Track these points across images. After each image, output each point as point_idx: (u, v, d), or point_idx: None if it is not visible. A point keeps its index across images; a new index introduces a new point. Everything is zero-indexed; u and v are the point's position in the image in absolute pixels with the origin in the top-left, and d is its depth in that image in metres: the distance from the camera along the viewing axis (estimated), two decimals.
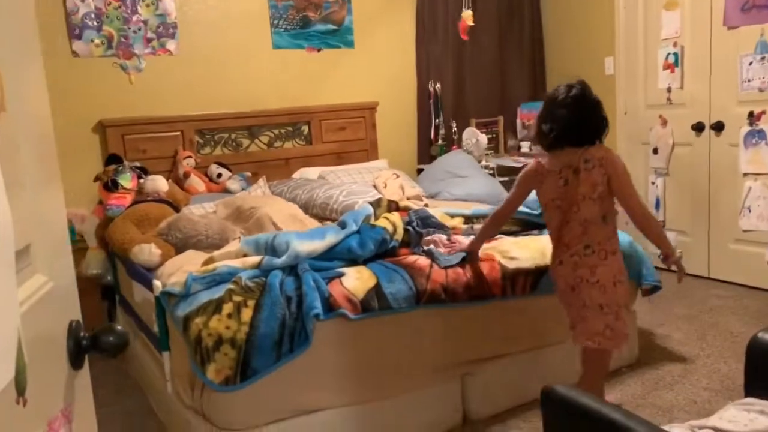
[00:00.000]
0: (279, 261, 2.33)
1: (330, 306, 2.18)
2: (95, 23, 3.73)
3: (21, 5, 0.86)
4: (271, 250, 2.42)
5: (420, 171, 4.78)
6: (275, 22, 4.29)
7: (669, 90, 4.24)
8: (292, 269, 2.34)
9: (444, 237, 2.63)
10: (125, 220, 3.14)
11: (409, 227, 2.68)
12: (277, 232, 2.55)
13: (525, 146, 5.02)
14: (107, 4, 3.75)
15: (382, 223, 2.57)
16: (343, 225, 2.56)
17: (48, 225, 0.86)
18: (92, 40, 3.74)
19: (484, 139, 4.53)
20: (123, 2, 3.80)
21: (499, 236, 2.78)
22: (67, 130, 3.71)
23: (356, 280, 2.29)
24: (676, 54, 4.16)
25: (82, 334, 0.89)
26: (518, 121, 5.18)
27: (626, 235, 2.88)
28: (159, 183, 3.48)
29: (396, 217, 2.63)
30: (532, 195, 2.39)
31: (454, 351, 2.47)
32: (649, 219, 2.13)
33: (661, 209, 4.35)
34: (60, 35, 3.66)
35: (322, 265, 2.38)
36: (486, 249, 2.61)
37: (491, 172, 4.52)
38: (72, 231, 3.51)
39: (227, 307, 2.10)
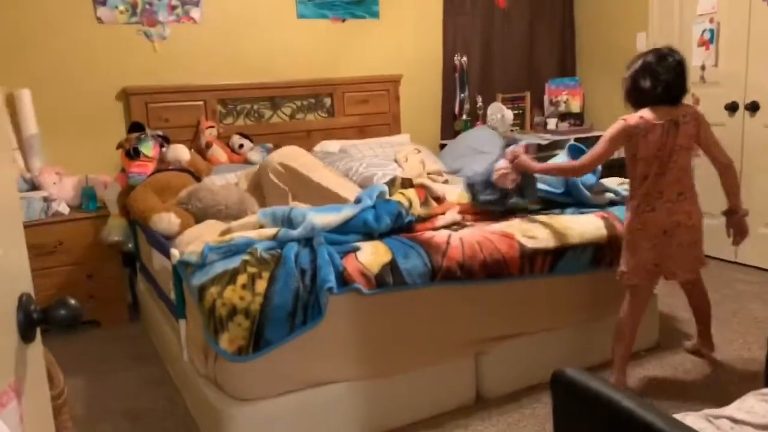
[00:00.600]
0: (295, 233, 2.32)
1: (344, 280, 2.17)
2: None
3: None
4: (288, 222, 2.41)
5: (443, 146, 4.72)
6: None
7: (703, 68, 4.10)
8: (307, 242, 2.33)
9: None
10: (146, 188, 3.16)
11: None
12: (293, 206, 2.53)
13: (552, 123, 4.92)
14: None
15: (397, 197, 2.54)
16: (358, 201, 2.53)
17: None
18: (116, 7, 3.73)
19: (509, 114, 4.45)
20: None
21: (520, 214, 2.74)
22: (91, 97, 3.73)
23: (371, 255, 2.27)
24: (711, 30, 4.01)
25: (32, 307, 0.88)
26: (546, 98, 5.07)
27: None
28: (181, 152, 3.48)
29: (411, 192, 2.60)
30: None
31: (468, 329, 2.45)
32: (732, 167, 2.44)
33: None
34: (85, 1, 3.65)
35: (337, 239, 2.36)
36: (505, 227, 2.57)
37: None
38: (94, 198, 3.55)
39: (242, 278, 2.10)
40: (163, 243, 2.72)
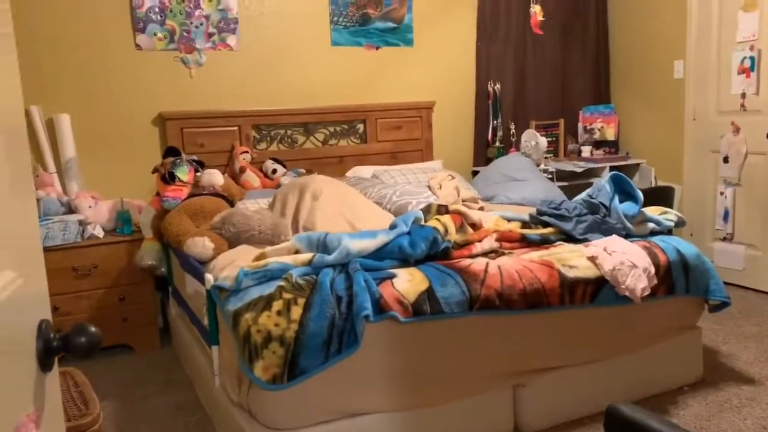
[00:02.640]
0: (330, 258, 2.29)
1: (380, 308, 2.12)
2: (159, 17, 3.78)
3: None
4: (323, 247, 2.38)
5: (475, 173, 4.68)
6: (335, 18, 4.26)
7: (743, 96, 4.01)
8: (342, 268, 2.29)
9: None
10: (180, 213, 3.16)
11: (546, 217, 2.72)
12: (328, 232, 2.51)
13: (586, 151, 4.86)
14: None
15: (432, 223, 2.50)
16: (393, 227, 2.50)
17: (18, 220, 0.82)
18: (155, 34, 3.80)
19: (543, 141, 4.40)
20: None
21: (558, 243, 2.68)
22: (128, 121, 3.78)
23: (408, 282, 2.23)
24: (752, 58, 3.93)
25: (52, 335, 0.85)
26: (580, 125, 5.02)
27: (692, 247, 2.73)
28: (215, 177, 3.50)
29: (447, 218, 2.55)
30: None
31: (507, 360, 2.38)
32: None
33: (729, 221, 4.13)
34: (124, 28, 3.73)
35: (373, 265, 2.32)
36: (544, 256, 2.51)
37: (550, 176, 4.38)
38: (129, 221, 3.57)
39: (277, 304, 2.07)
40: (197, 267, 2.71)
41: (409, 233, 2.46)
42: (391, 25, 4.44)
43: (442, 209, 2.70)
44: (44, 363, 0.82)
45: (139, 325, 3.51)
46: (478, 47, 4.75)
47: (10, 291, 0.74)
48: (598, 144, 4.92)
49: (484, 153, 4.83)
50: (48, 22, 3.56)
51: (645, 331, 2.61)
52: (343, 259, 2.30)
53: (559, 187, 4.33)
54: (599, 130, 4.89)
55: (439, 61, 4.63)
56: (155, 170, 3.47)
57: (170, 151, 3.58)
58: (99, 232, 3.46)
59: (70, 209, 3.50)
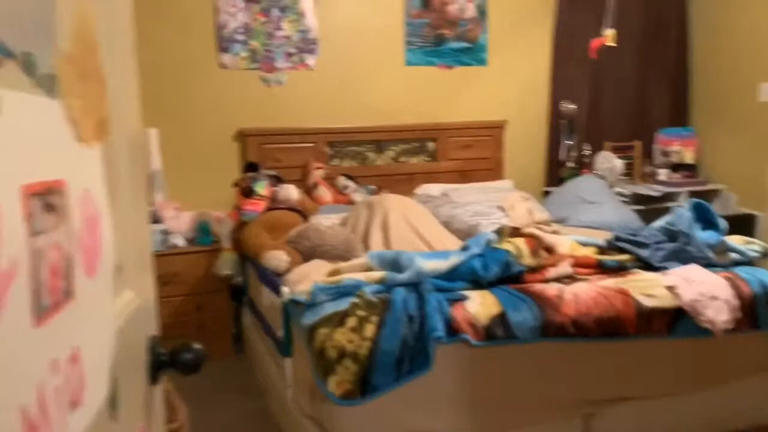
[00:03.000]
0: (402, 277, 2.33)
1: (452, 329, 2.14)
2: (242, 38, 3.95)
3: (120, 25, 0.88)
4: (395, 265, 2.42)
5: (547, 194, 4.63)
6: (409, 39, 4.33)
7: None
8: (414, 287, 2.32)
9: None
10: (258, 226, 3.28)
11: (623, 244, 2.68)
12: (401, 250, 2.54)
13: (663, 174, 4.72)
14: (254, 20, 3.96)
15: (506, 246, 2.50)
16: (465, 248, 2.51)
17: (135, 242, 0.88)
18: (238, 54, 3.96)
19: (619, 164, 4.31)
20: (269, 18, 3.99)
21: (635, 270, 2.63)
22: (211, 136, 3.95)
23: (480, 305, 2.24)
24: None
25: (160, 350, 0.90)
26: (656, 147, 4.88)
27: (764, 272, 2.61)
28: (291, 192, 3.61)
29: (521, 241, 2.55)
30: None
31: (578, 388, 2.35)
32: None
33: None
34: (210, 48, 3.91)
35: (444, 285, 2.35)
36: (620, 283, 2.46)
37: (625, 199, 4.28)
38: (208, 232, 3.72)
39: (351, 321, 2.12)
40: (273, 280, 2.80)
41: (482, 255, 2.47)
42: (465, 45, 4.47)
43: (515, 231, 2.69)
44: (153, 377, 0.89)
45: (214, 333, 3.64)
46: (552, 67, 4.71)
47: (131, 309, 0.81)
48: (675, 167, 4.77)
49: (556, 174, 4.77)
50: (139, 43, 3.76)
51: (725, 367, 2.52)
52: (415, 278, 2.33)
53: (634, 211, 4.23)
54: (677, 153, 4.74)
55: (512, 80, 4.62)
56: (236, 184, 3.61)
57: (250, 166, 3.72)
58: (180, 242, 3.62)
59: (154, 219, 3.68)
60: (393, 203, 3.22)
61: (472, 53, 4.50)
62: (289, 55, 4.06)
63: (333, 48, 4.15)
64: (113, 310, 0.72)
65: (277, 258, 2.89)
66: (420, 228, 3.10)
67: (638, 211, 4.17)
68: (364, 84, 4.25)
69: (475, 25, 4.48)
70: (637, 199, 4.37)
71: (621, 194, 4.29)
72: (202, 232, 3.71)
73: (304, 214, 3.52)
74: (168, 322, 3.50)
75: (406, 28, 4.32)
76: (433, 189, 4.24)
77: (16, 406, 0.46)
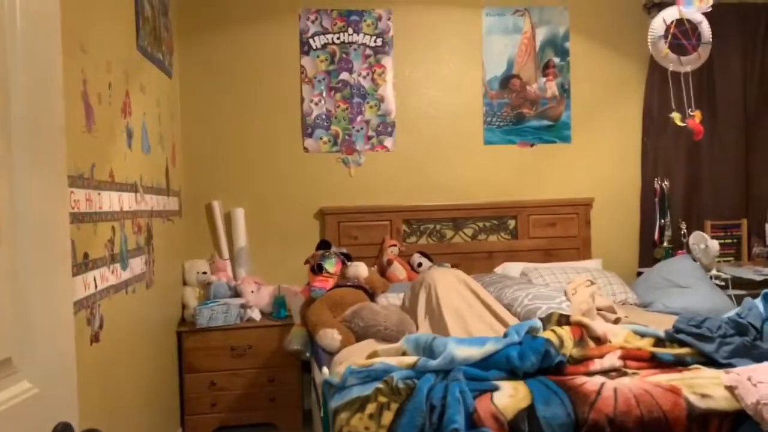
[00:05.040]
0: (433, 363, 2.30)
1: (473, 422, 2.07)
2: (325, 123, 4.22)
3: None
4: (429, 351, 2.40)
5: (640, 275, 4.37)
6: (488, 119, 4.39)
7: None
8: (446, 375, 2.29)
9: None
10: (322, 303, 3.39)
11: (684, 336, 2.49)
12: (437, 335, 2.52)
13: None
14: (337, 107, 4.22)
15: (546, 335, 2.40)
16: (506, 335, 2.45)
17: (42, 338, 0.97)
18: (321, 138, 4.22)
19: (714, 244, 3.99)
20: (350, 105, 4.24)
21: (695, 366, 2.41)
22: (293, 216, 4.19)
23: (509, 398, 2.15)
24: None
25: None
26: (767, 225, 4.47)
27: None
28: (360, 270, 3.70)
29: (565, 330, 2.43)
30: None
31: None
32: None
33: None
34: (296, 133, 4.21)
35: (476, 374, 2.28)
36: (673, 380, 2.26)
37: (722, 283, 3.94)
38: (284, 306, 3.90)
39: (370, 407, 2.12)
40: (321, 358, 2.87)
41: (520, 343, 2.39)
42: (546, 123, 4.44)
43: (563, 320, 2.58)
44: None
45: (284, 406, 3.75)
46: (644, 142, 4.53)
47: (24, 398, 0.92)
48: None
49: (650, 254, 4.50)
50: (233, 129, 4.15)
51: None
52: (447, 365, 2.30)
53: (735, 296, 3.88)
54: None
55: (599, 157, 4.50)
56: (306, 262, 3.77)
57: (322, 244, 3.88)
58: (257, 315, 3.82)
59: (236, 293, 3.92)
60: (439, 276, 3.21)
61: (555, 131, 4.46)
62: (368, 138, 4.26)
63: (411, 130, 4.30)
64: None
65: (329, 336, 2.97)
66: (472, 300, 3.06)
67: (739, 297, 3.81)
68: (442, 163, 4.34)
69: (557, 103, 4.45)
70: (738, 283, 4.01)
71: (718, 278, 3.95)
72: (279, 307, 3.89)
73: (369, 293, 3.59)
74: (241, 392, 3.68)
75: (484, 108, 4.38)
76: (513, 268, 4.16)
77: None
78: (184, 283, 3.92)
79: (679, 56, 3.46)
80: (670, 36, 3.36)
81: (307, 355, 3.71)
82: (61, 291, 1.06)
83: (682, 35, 3.38)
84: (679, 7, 3.37)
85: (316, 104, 4.21)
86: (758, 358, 2.37)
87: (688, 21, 3.36)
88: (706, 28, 3.46)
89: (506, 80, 4.40)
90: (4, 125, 0.91)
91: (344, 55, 4.23)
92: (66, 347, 1.07)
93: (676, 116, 3.69)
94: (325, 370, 2.54)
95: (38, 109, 1.00)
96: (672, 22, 3.37)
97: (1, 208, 0.89)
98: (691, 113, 3.71)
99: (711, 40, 3.51)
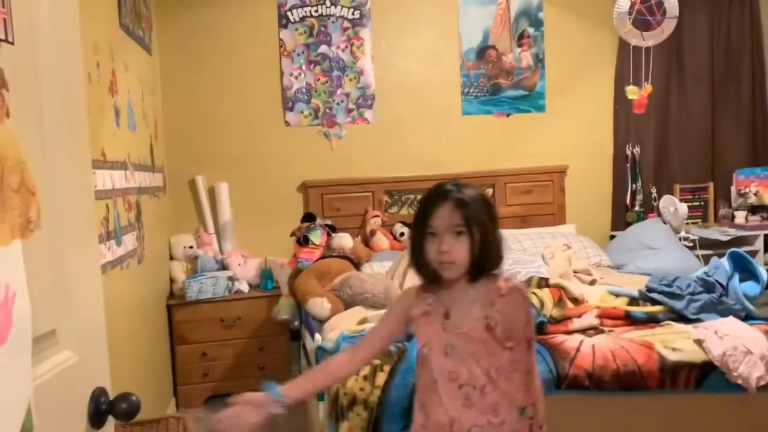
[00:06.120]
0: None
1: None
2: (305, 97, 4.26)
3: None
4: None
5: (613, 238, 4.55)
6: (466, 90, 4.47)
7: None
8: None
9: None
10: (309, 273, 3.49)
11: (656, 294, 2.66)
12: None
13: (740, 216, 4.50)
14: (317, 80, 4.26)
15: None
16: None
17: (79, 308, 1.05)
18: (302, 112, 4.27)
19: (683, 208, 4.17)
20: (330, 78, 4.28)
21: (666, 322, 2.57)
22: (277, 189, 4.26)
23: None
24: None
25: (102, 399, 1.06)
26: (733, 189, 4.67)
27: None
28: (344, 240, 3.81)
29: (545, 292, 2.57)
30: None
31: None
32: None
33: None
34: (276, 108, 4.25)
35: None
36: (646, 336, 2.43)
37: (691, 244, 4.13)
38: (271, 278, 3.99)
39: (364, 369, 2.24)
40: (313, 326, 2.98)
41: None
42: (522, 92, 4.54)
43: (542, 282, 2.72)
44: (95, 422, 1.07)
45: (274, 373, 3.85)
46: (615, 110, 4.67)
47: (66, 365, 1.00)
48: (754, 209, 4.53)
49: (623, 218, 4.67)
50: (213, 105, 4.17)
51: (759, 424, 2.39)
52: None
53: (703, 256, 4.07)
54: (755, 194, 4.51)
55: (572, 125, 4.62)
56: (293, 234, 3.86)
57: (307, 217, 3.97)
58: (244, 287, 3.91)
59: (223, 266, 4.00)
60: None
61: (530, 100, 4.57)
62: (349, 111, 4.32)
63: (390, 102, 4.37)
64: (30, 372, 0.90)
65: (318, 305, 3.08)
66: None
67: (707, 257, 4.00)
68: (421, 135, 4.42)
69: (532, 73, 4.55)
70: (706, 243, 4.20)
71: (687, 239, 4.14)
72: (266, 279, 3.98)
73: (355, 262, 3.70)
74: (232, 362, 3.78)
75: (462, 80, 4.46)
76: None
77: None
78: (171, 258, 3.98)
79: (642, 31, 3.56)
80: (635, 12, 3.46)
81: (295, 324, 3.82)
82: (91, 262, 1.13)
83: (647, 11, 3.48)
84: None
85: (296, 78, 4.24)
86: (724, 313, 2.55)
87: None
88: (672, 3, 3.57)
89: (482, 51, 4.48)
90: (37, 113, 0.98)
91: (322, 28, 4.26)
92: (98, 315, 1.15)
93: (630, 90, 3.82)
94: (318, 336, 2.65)
95: (66, 95, 1.07)
96: None
97: (39, 191, 0.96)
98: (644, 87, 3.84)
99: (677, 14, 3.62)
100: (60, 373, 0.97)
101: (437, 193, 1.48)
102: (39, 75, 0.99)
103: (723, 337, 2.35)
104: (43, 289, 0.94)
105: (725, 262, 2.69)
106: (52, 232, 0.99)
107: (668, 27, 3.56)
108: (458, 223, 1.41)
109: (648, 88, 3.78)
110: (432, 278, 1.49)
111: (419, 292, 1.55)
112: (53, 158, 1.02)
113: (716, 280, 2.63)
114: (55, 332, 0.98)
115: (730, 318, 2.48)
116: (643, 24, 3.63)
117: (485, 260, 1.45)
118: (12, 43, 0.90)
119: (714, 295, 2.60)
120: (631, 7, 3.46)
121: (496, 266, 1.50)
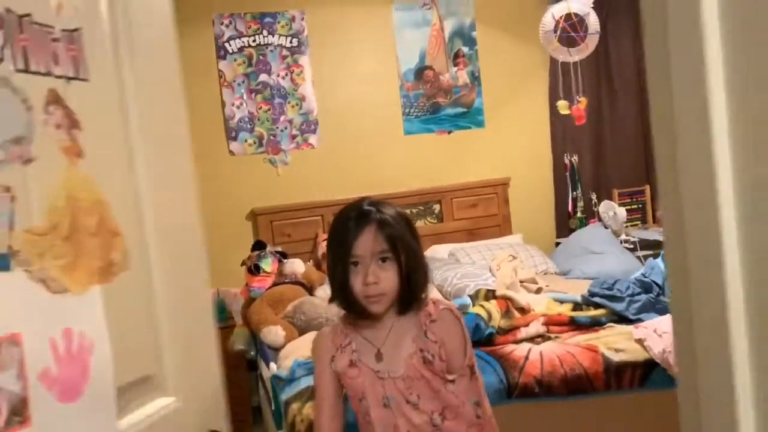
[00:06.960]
0: None
1: None
2: (248, 126, 4.28)
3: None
4: None
5: (558, 245, 4.69)
6: (406, 110, 4.57)
7: None
8: None
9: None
10: (262, 302, 3.49)
11: (598, 299, 2.74)
12: None
13: None
14: (259, 109, 4.29)
15: (476, 310, 2.60)
16: None
17: (187, 354, 1.02)
18: (246, 141, 4.28)
19: (621, 212, 4.34)
20: (272, 105, 4.31)
21: (609, 324, 2.68)
22: (224, 219, 4.24)
23: None
24: None
25: None
26: None
27: None
28: (296, 266, 3.82)
29: (492, 304, 2.65)
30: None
31: None
32: None
33: None
34: (220, 138, 4.25)
35: None
36: (590, 339, 2.52)
37: (631, 246, 4.29)
38: (224, 310, 3.96)
39: None
40: (267, 354, 2.98)
41: None
42: (461, 110, 4.67)
43: (490, 294, 2.79)
44: None
45: (235, 404, 3.80)
46: (552, 121, 4.84)
47: (166, 412, 0.96)
48: None
49: (566, 224, 4.83)
50: None
51: None
52: None
53: (644, 257, 4.23)
54: None
55: (512, 138, 4.77)
56: (243, 263, 3.85)
57: (257, 245, 3.96)
58: None
59: None
60: None
61: (469, 117, 4.69)
62: (293, 137, 4.36)
63: (334, 126, 4.43)
64: (114, 422, 0.86)
65: (273, 333, 3.08)
66: None
67: (646, 257, 4.16)
68: (366, 156, 4.49)
69: (469, 91, 4.68)
70: (646, 245, 4.37)
71: (627, 241, 4.30)
72: (218, 310, 3.95)
73: (308, 287, 3.71)
74: None
75: (402, 101, 4.56)
76: (441, 250, 4.37)
77: None
78: None
79: (568, 48, 3.73)
80: (559, 30, 3.62)
81: (252, 353, 3.80)
82: (200, 301, 1.11)
83: (571, 28, 3.65)
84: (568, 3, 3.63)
85: (238, 107, 4.26)
86: (662, 311, 2.67)
87: (576, 14, 3.63)
88: (593, 20, 3.74)
89: (420, 71, 4.59)
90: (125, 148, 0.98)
91: (261, 57, 4.30)
92: (208, 358, 1.12)
93: (561, 105, 3.99)
94: (273, 365, 2.65)
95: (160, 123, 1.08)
96: (561, 17, 3.63)
97: (126, 229, 0.94)
98: (579, 100, 4.01)
99: (599, 29, 3.80)
100: (159, 420, 0.95)
101: (356, 215, 1.32)
102: (127, 110, 0.98)
103: (662, 335, 2.46)
104: (134, 333, 0.94)
105: (660, 263, 2.82)
106: (149, 271, 0.97)
107: (592, 42, 3.73)
108: (384, 248, 1.29)
109: (583, 100, 3.94)
110: (361, 314, 1.35)
111: (336, 335, 1.41)
112: (153, 197, 1.02)
113: (652, 281, 2.75)
114: (151, 378, 0.97)
115: (668, 316, 2.60)
116: (568, 41, 3.80)
117: (415, 286, 1.33)
118: (86, 80, 0.87)
119: (651, 295, 2.72)
120: (556, 25, 3.62)
121: (423, 290, 1.37)
